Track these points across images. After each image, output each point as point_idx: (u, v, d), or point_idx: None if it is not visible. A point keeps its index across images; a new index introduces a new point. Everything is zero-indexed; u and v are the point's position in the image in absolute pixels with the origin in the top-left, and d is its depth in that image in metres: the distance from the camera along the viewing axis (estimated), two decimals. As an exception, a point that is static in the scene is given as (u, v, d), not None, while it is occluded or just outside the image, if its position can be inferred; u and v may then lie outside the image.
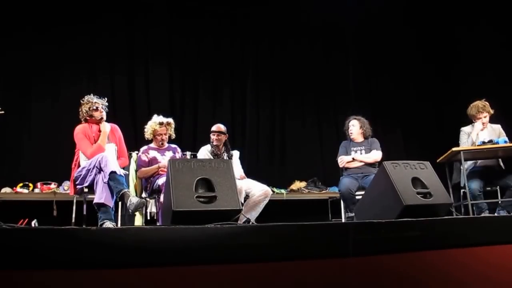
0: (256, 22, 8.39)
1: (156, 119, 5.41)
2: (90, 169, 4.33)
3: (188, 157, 5.61)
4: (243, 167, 5.71)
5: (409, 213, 3.36)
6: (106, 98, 4.97)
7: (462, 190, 5.77)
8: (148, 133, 5.42)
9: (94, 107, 4.82)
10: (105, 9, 7.63)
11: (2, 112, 4.24)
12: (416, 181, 3.66)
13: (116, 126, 5.03)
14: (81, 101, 4.87)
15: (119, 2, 7.74)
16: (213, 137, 5.49)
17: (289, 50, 8.47)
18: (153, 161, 5.25)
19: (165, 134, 5.39)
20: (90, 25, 7.53)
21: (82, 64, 7.51)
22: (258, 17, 8.39)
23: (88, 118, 4.82)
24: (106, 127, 4.85)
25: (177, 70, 7.97)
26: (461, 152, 5.45)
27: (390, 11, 8.69)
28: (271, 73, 8.36)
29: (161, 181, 4.79)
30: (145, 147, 5.40)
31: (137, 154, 5.63)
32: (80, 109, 4.85)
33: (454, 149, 5.53)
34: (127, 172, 5.12)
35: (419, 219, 3.03)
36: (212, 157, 5.38)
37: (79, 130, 4.73)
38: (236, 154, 5.66)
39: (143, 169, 5.21)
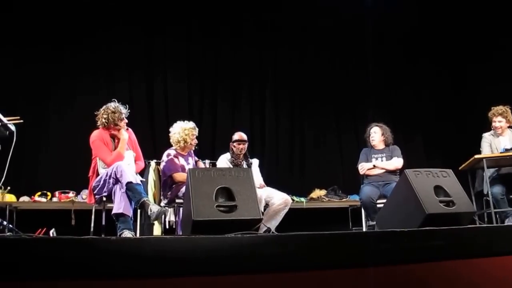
0: (275, 30, 8.37)
1: (187, 124, 5.36)
2: (107, 179, 4.31)
3: (207, 165, 5.61)
4: (262, 176, 5.70)
5: (431, 222, 3.32)
6: (127, 106, 4.93)
7: (485, 198, 5.69)
8: (179, 137, 5.29)
9: (121, 118, 4.76)
10: (123, 17, 7.69)
11: (21, 121, 4.26)
12: (438, 189, 3.61)
13: (130, 130, 4.94)
14: (109, 107, 4.76)
15: (138, 11, 7.79)
16: (237, 146, 5.46)
17: (308, 57, 8.45)
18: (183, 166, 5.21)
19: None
20: (108, 34, 7.60)
21: (100, 73, 7.58)
22: (277, 24, 8.38)
23: (112, 125, 4.72)
24: (124, 134, 4.76)
25: (196, 78, 7.98)
26: (484, 159, 5.39)
27: (408, 18, 8.63)
28: (290, 81, 8.33)
29: None
30: (171, 151, 5.27)
31: (155, 163, 5.63)
32: (102, 114, 4.73)
33: (476, 156, 5.47)
34: (144, 179, 5.09)
35: (442, 228, 2.99)
36: (231, 166, 5.37)
37: (96, 137, 4.65)
38: (255, 162, 5.65)
39: (183, 173, 5.07)
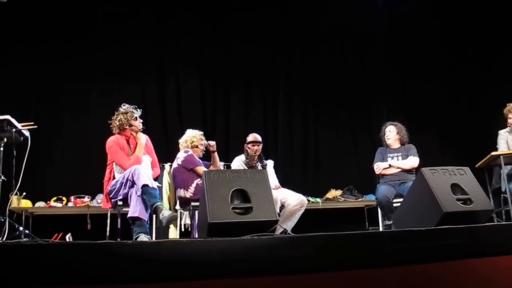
0: (287, 29, 8.35)
1: (197, 132, 5.49)
2: (123, 182, 4.32)
3: (222, 167, 5.62)
4: (277, 177, 5.69)
5: (449, 221, 3.28)
6: (137, 108, 4.95)
7: (502, 195, 5.62)
8: (187, 138, 5.45)
9: (134, 117, 4.79)
10: (134, 19, 7.72)
11: (35, 126, 4.29)
12: (455, 188, 3.58)
13: (147, 137, 4.96)
14: (119, 110, 4.80)
15: (148, 12, 7.84)
16: (252, 147, 5.48)
17: (320, 56, 8.40)
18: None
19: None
20: (120, 36, 7.63)
21: (112, 76, 7.62)
22: (289, 23, 8.36)
23: (126, 127, 4.75)
24: (142, 138, 4.80)
25: (208, 79, 7.99)
26: (501, 156, 5.33)
27: (420, 14, 8.57)
28: (303, 80, 8.29)
29: None
30: (188, 149, 5.31)
31: (170, 165, 5.64)
32: (115, 118, 4.77)
33: (493, 153, 5.42)
34: (160, 185, 5.11)
35: (460, 226, 2.95)
36: (246, 168, 5.37)
37: (112, 142, 4.65)
38: (270, 163, 5.65)
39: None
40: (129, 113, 4.77)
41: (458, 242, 2.80)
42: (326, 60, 8.40)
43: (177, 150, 5.49)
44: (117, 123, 4.75)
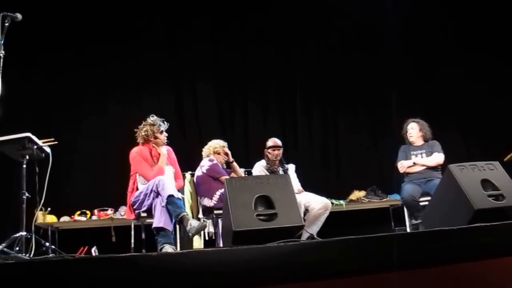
0: (300, 29, 8.28)
1: (221, 142, 5.56)
2: (147, 193, 4.33)
3: (243, 174, 5.60)
4: (299, 180, 5.63)
5: (481, 218, 3.20)
6: (168, 123, 4.98)
7: (532, 189, 5.49)
8: (209, 146, 5.51)
9: (160, 130, 4.83)
10: (147, 27, 7.72)
11: (56, 142, 4.31)
12: (486, 183, 3.49)
13: (170, 149, 5.03)
14: (147, 120, 4.86)
15: (161, 20, 7.85)
16: (272, 152, 5.47)
17: (335, 55, 8.31)
18: None
19: None
20: (135, 47, 7.62)
21: (130, 88, 7.63)
22: (302, 24, 8.28)
23: (151, 139, 4.80)
24: (163, 150, 4.83)
25: (224, 86, 7.97)
26: (531, 148, 5.23)
27: (434, 7, 8.43)
28: (319, 80, 8.20)
29: None
30: (212, 157, 5.36)
31: (191, 174, 5.64)
32: (141, 128, 4.83)
33: (524, 145, 5.31)
34: (184, 196, 5.12)
35: (493, 223, 2.86)
36: (267, 173, 5.33)
37: (136, 153, 4.72)
38: (291, 168, 5.62)
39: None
40: (156, 126, 4.83)
41: (492, 240, 2.74)
42: (341, 59, 8.28)
43: (196, 158, 5.52)
44: (143, 133, 4.82)
